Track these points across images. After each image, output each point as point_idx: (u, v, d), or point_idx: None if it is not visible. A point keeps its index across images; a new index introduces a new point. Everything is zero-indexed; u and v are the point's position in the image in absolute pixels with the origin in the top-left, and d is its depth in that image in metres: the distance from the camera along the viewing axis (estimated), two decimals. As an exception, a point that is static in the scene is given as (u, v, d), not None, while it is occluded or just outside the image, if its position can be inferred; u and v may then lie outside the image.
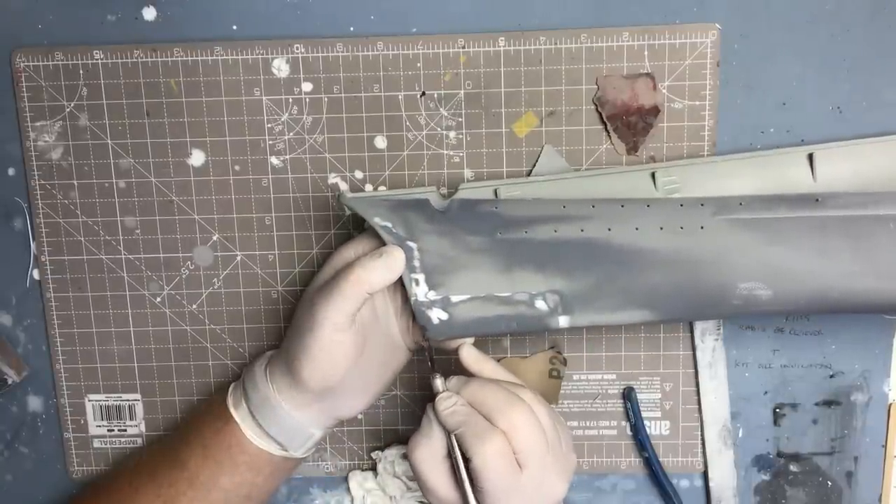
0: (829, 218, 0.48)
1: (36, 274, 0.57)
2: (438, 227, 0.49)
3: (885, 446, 0.56)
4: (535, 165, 0.54)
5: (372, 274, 0.46)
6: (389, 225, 0.48)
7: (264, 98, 0.54)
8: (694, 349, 0.56)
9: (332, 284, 0.47)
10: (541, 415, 0.46)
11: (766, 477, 0.57)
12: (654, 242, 0.49)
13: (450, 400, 0.46)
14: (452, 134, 0.54)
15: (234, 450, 0.50)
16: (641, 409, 0.56)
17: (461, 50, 0.53)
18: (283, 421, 0.49)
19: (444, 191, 0.53)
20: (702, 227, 0.49)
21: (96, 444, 0.59)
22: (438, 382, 0.47)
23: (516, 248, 0.49)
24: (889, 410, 0.56)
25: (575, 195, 0.50)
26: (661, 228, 0.49)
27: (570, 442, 0.48)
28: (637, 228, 0.49)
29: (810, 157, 0.50)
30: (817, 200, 0.48)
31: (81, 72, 0.54)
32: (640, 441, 0.57)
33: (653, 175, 0.50)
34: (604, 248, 0.49)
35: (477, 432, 0.45)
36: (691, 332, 0.56)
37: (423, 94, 0.53)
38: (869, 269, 0.48)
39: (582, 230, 0.49)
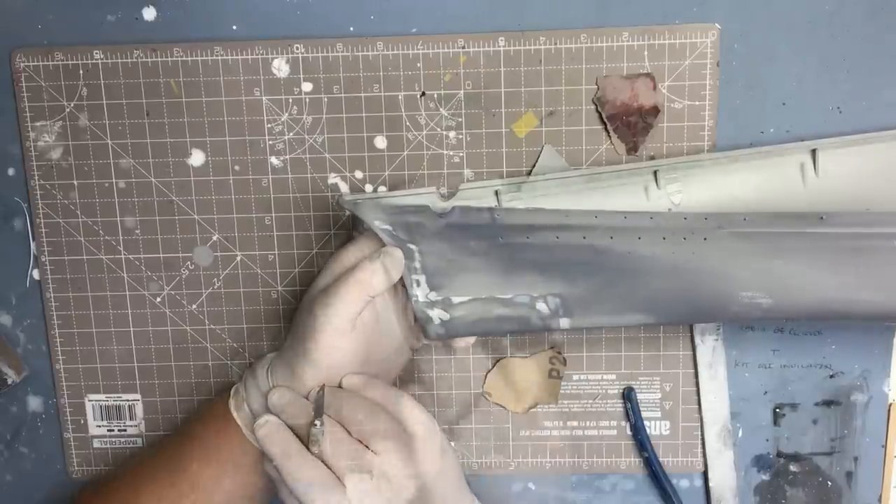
0: (832, 234, 0.48)
1: (36, 274, 0.57)
2: (439, 230, 0.49)
3: (885, 446, 0.56)
4: (535, 165, 0.54)
5: (372, 277, 0.46)
6: (390, 228, 0.48)
7: (264, 98, 0.54)
8: (694, 349, 0.56)
9: (333, 289, 0.47)
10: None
11: (765, 477, 0.57)
12: (656, 251, 0.49)
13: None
14: (452, 134, 0.54)
15: (237, 452, 0.50)
16: (641, 409, 0.56)
17: (461, 50, 0.53)
18: None
19: (444, 191, 0.53)
20: (704, 239, 0.48)
21: (96, 444, 0.59)
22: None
23: (517, 252, 0.49)
24: (889, 410, 0.56)
25: (576, 198, 0.50)
26: (664, 238, 0.49)
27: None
28: (640, 238, 0.49)
29: (813, 152, 0.50)
30: (821, 218, 0.48)
31: (81, 72, 0.54)
32: (640, 441, 0.57)
33: (655, 173, 0.51)
34: (605, 255, 0.49)
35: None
36: (691, 332, 0.56)
37: (423, 94, 0.53)
38: (870, 283, 0.48)
39: (584, 237, 0.49)
